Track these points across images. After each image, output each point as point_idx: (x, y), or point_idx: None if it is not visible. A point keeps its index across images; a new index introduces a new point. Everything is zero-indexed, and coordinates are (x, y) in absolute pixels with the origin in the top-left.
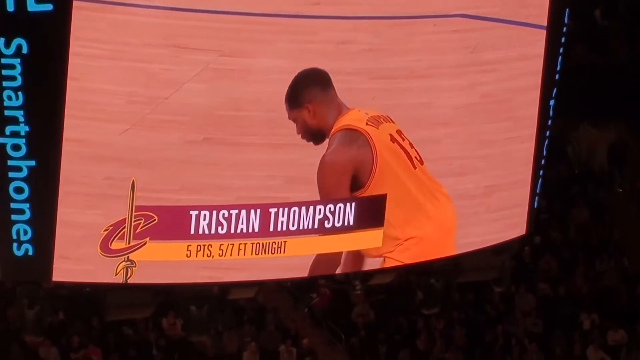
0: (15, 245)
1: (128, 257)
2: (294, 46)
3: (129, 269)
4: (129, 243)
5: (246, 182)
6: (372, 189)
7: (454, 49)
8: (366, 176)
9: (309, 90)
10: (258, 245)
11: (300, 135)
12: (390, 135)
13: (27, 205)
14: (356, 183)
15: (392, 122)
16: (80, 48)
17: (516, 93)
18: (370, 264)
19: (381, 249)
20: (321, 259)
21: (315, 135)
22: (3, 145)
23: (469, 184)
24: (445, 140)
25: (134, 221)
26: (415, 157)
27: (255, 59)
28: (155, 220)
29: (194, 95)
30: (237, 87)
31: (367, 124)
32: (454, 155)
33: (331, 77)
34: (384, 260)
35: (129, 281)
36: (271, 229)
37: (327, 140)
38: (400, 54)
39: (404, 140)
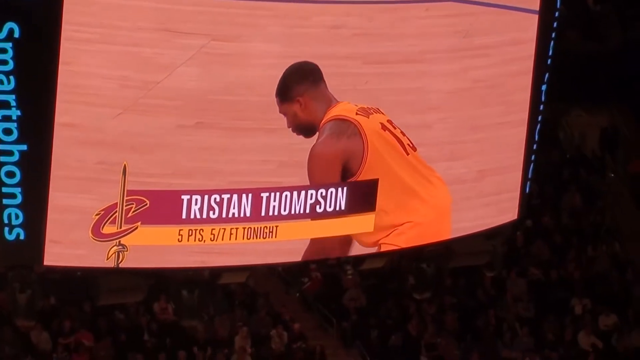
0: (6, 229)
1: (119, 241)
2: (286, 31)
3: (120, 254)
4: (121, 227)
5: (239, 166)
6: (363, 177)
7: (446, 34)
8: (357, 165)
9: (300, 84)
10: (250, 229)
11: (290, 129)
12: (381, 123)
13: (19, 189)
14: (347, 172)
15: (382, 113)
16: (72, 32)
17: (508, 78)
18: (365, 249)
19: (376, 236)
20: (316, 245)
21: (305, 128)
22: None
23: (461, 168)
24: (437, 125)
25: (126, 205)
26: (408, 144)
27: (247, 43)
28: (146, 204)
29: (186, 79)
30: (229, 72)
31: (357, 113)
32: (446, 140)
33: (324, 61)
34: (380, 246)
35: (120, 266)
36: (263, 213)
37: (317, 132)
38: (393, 38)
39: (395, 128)
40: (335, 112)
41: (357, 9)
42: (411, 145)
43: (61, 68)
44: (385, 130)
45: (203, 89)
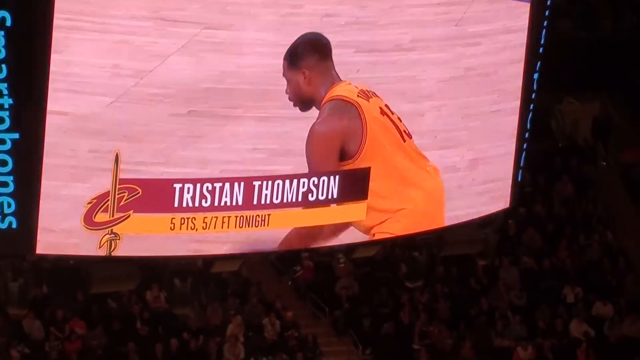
0: None
1: (112, 230)
2: (279, 19)
3: (112, 242)
4: (113, 216)
5: (231, 155)
6: (360, 160)
7: (439, 22)
8: (356, 147)
9: (309, 56)
10: (242, 218)
11: (288, 97)
12: (380, 108)
13: (11, 177)
14: (345, 154)
15: (379, 97)
16: (65, 21)
17: (500, 66)
18: (360, 237)
19: (371, 222)
20: (301, 232)
21: (304, 101)
22: None
23: (454, 157)
24: (430, 113)
25: (118, 194)
26: (404, 131)
27: (240, 31)
28: (139, 193)
29: (179, 68)
30: (222, 60)
31: (358, 96)
32: (439, 129)
33: None
34: (374, 235)
35: (112, 254)
36: (255, 202)
37: (315, 107)
38: (385, 27)
39: (392, 114)
40: (336, 92)
41: None
42: (407, 133)
43: (53, 57)
44: (383, 115)
45: (195, 78)
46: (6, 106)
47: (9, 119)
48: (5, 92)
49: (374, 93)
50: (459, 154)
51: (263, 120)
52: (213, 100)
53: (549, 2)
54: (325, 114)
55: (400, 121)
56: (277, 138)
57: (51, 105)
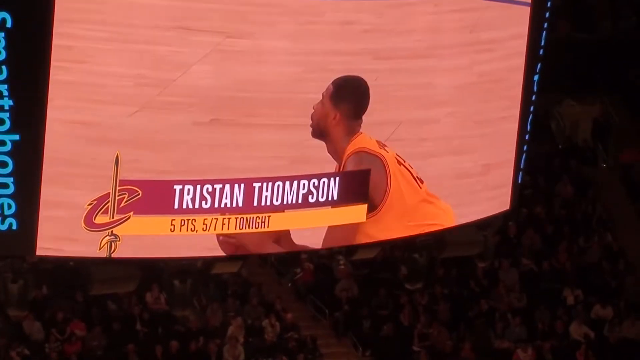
0: None
1: (112, 231)
2: (298, 27)
3: (112, 244)
4: (113, 217)
5: (252, 162)
6: (384, 212)
7: (454, 29)
8: (380, 199)
9: (348, 106)
10: (242, 219)
11: (311, 115)
12: (395, 158)
13: (11, 179)
14: (369, 206)
15: (389, 147)
16: (87, 31)
17: (511, 72)
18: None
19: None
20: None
21: (320, 131)
22: None
23: (467, 162)
24: (445, 119)
25: (118, 195)
26: (417, 177)
27: (261, 40)
28: (139, 194)
29: (201, 77)
30: (243, 69)
31: (379, 147)
32: (453, 135)
33: (335, 58)
34: None
35: (112, 255)
36: (255, 203)
37: (326, 146)
38: (402, 34)
39: (404, 161)
40: (360, 144)
41: (367, 5)
42: (419, 178)
43: (76, 67)
44: (400, 165)
45: (217, 86)
46: (6, 107)
47: (9, 121)
48: (6, 93)
49: (383, 144)
50: (472, 159)
51: (284, 128)
52: (235, 108)
53: (548, 4)
54: (352, 166)
55: (412, 168)
56: (297, 146)
57: (76, 115)
